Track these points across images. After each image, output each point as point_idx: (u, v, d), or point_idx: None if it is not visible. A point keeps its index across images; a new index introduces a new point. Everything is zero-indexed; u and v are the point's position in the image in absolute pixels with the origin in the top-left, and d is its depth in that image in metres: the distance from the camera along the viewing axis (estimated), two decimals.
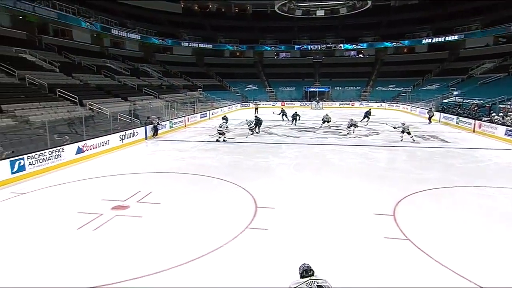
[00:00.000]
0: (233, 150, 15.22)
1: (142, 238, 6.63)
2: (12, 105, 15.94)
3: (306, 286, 3.51)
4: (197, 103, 29.95)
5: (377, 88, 45.15)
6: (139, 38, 40.09)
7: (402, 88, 41.72)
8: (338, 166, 12.29)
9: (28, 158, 10.85)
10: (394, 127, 18.14)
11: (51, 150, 11.87)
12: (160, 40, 43.11)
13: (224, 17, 49.79)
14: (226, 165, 12.55)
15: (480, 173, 11.36)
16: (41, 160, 11.31)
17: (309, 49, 49.54)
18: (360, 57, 52.13)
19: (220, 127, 17.25)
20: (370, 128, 22.21)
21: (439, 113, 26.42)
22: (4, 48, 23.37)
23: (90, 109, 19.65)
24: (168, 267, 5.49)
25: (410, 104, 34.78)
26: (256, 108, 33.63)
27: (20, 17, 27.08)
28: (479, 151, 14.77)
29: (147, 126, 18.04)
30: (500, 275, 5.24)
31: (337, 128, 22.11)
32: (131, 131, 16.86)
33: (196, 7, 48.70)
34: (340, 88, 46.78)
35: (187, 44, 46.48)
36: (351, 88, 46.55)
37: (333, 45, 48.57)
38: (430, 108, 27.10)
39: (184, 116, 24.07)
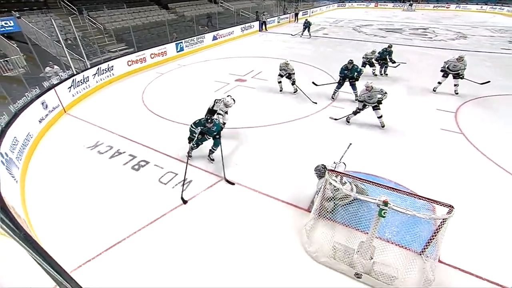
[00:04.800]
0: (324, 43, 14.30)
1: (255, 102, 7.63)
2: (174, 3, 17.26)
3: (338, 184, 3.01)
4: (300, 2, 26.64)
5: None
6: None
7: None
8: (416, 66, 10.55)
9: (184, 42, 12.56)
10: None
11: (197, 37, 13.26)
12: None
13: None
14: (317, 55, 12.17)
15: None
16: (192, 44, 12.95)
17: None
18: None
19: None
20: (458, 32, 17.07)
21: None
22: None
23: (221, 6, 19.87)
24: (270, 124, 6.39)
25: None
26: (296, 14, 21.40)
27: None
28: None
29: (260, 21, 17.71)
30: None
31: (424, 30, 17.73)
32: (249, 24, 16.95)
33: None
34: None
35: None
36: None
37: None
38: None
39: (289, 13, 22.24)
